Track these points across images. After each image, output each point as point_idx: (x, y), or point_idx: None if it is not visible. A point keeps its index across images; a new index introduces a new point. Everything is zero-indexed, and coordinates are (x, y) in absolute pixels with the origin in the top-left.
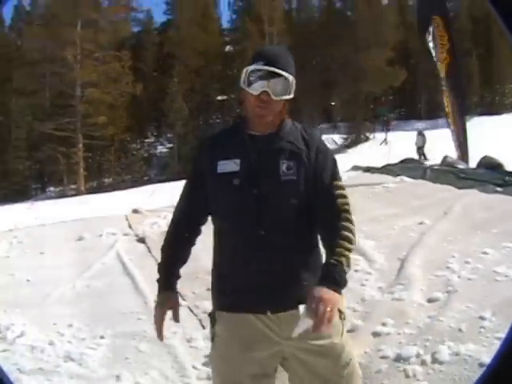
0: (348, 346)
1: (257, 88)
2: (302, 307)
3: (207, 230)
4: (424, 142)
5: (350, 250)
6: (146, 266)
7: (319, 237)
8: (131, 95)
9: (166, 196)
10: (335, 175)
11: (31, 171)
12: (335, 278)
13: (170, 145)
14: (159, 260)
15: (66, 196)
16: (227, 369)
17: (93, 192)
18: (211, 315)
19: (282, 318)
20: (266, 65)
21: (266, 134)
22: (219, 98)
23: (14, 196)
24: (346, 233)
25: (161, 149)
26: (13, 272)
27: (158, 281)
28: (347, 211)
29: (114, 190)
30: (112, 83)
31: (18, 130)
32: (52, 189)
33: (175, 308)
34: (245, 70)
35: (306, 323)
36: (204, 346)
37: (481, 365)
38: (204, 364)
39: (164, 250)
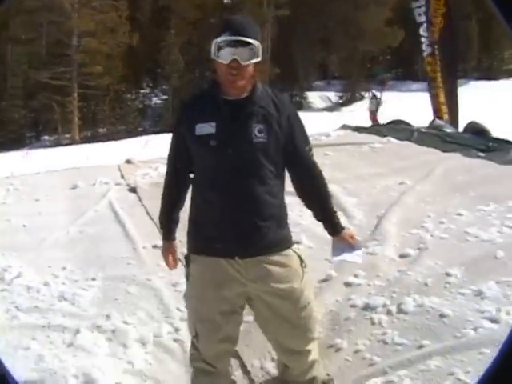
0: (306, 291)
1: (226, 57)
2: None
3: None
4: (378, 105)
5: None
6: (136, 214)
7: (300, 194)
8: (127, 46)
9: (159, 147)
10: (307, 140)
11: (26, 120)
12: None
13: (165, 96)
14: (159, 209)
15: (61, 145)
16: (200, 306)
17: (87, 141)
18: (186, 258)
19: (248, 263)
20: (232, 35)
21: (240, 99)
22: None
23: (9, 144)
24: (329, 195)
25: (155, 100)
26: (9, 218)
27: (161, 228)
28: (322, 173)
29: (108, 139)
30: (109, 33)
31: (14, 78)
32: (46, 137)
33: (173, 255)
34: (213, 42)
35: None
36: None
37: (441, 315)
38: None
39: (163, 198)
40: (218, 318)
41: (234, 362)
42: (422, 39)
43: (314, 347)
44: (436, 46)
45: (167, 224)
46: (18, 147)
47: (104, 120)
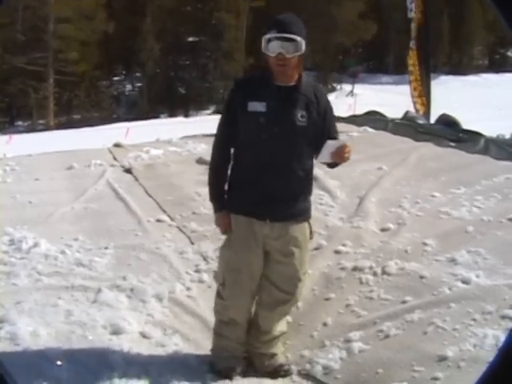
0: (307, 260)
1: (273, 50)
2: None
3: (186, 167)
4: None
5: None
6: (135, 192)
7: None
8: (103, 33)
9: (141, 134)
10: (337, 129)
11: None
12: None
13: (139, 84)
14: (211, 176)
15: (36, 130)
16: (231, 257)
17: (62, 128)
18: None
19: (275, 225)
20: (278, 32)
21: (288, 86)
22: (190, 39)
23: None
24: None
25: (130, 88)
26: (14, 195)
27: (213, 198)
28: None
29: (82, 126)
30: (85, 20)
31: None
32: (20, 123)
33: (229, 221)
34: (263, 38)
35: (328, 153)
36: (194, 258)
37: (421, 277)
38: (195, 271)
39: (213, 174)
40: (245, 268)
41: None
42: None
43: (285, 321)
44: (412, 42)
45: (220, 197)
46: None
47: (78, 106)
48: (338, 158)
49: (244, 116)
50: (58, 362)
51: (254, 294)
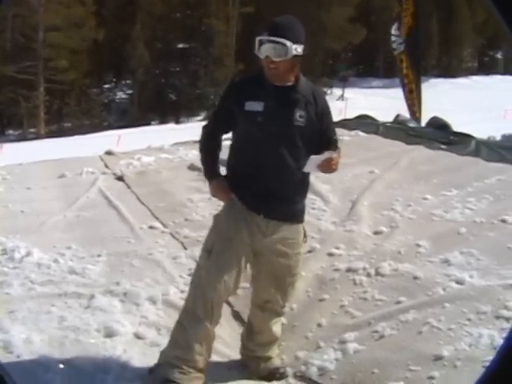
0: (299, 264)
1: (262, 53)
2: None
3: (178, 173)
4: None
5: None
6: (127, 200)
7: None
8: (93, 40)
9: (133, 141)
10: (335, 131)
11: None
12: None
13: (130, 91)
14: (202, 157)
15: (26, 139)
16: (226, 226)
17: (53, 136)
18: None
19: (270, 223)
20: (269, 35)
21: (286, 86)
22: (180, 46)
23: None
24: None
25: (120, 95)
26: (6, 204)
27: (206, 172)
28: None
29: (73, 134)
30: (75, 28)
31: None
32: (11, 132)
33: (224, 186)
34: (256, 40)
35: (314, 166)
36: (187, 262)
37: (414, 278)
38: (189, 275)
39: (203, 150)
40: (236, 241)
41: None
42: (394, 38)
43: (280, 320)
44: (402, 45)
45: (212, 166)
46: None
47: (69, 114)
48: (326, 170)
49: (241, 115)
50: (61, 366)
51: (237, 277)
